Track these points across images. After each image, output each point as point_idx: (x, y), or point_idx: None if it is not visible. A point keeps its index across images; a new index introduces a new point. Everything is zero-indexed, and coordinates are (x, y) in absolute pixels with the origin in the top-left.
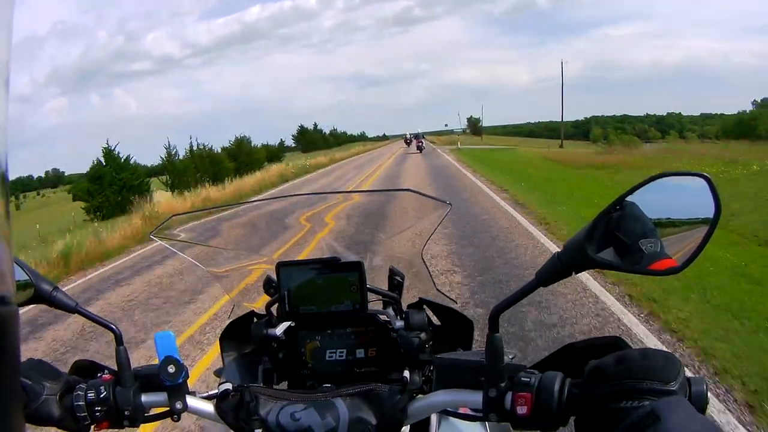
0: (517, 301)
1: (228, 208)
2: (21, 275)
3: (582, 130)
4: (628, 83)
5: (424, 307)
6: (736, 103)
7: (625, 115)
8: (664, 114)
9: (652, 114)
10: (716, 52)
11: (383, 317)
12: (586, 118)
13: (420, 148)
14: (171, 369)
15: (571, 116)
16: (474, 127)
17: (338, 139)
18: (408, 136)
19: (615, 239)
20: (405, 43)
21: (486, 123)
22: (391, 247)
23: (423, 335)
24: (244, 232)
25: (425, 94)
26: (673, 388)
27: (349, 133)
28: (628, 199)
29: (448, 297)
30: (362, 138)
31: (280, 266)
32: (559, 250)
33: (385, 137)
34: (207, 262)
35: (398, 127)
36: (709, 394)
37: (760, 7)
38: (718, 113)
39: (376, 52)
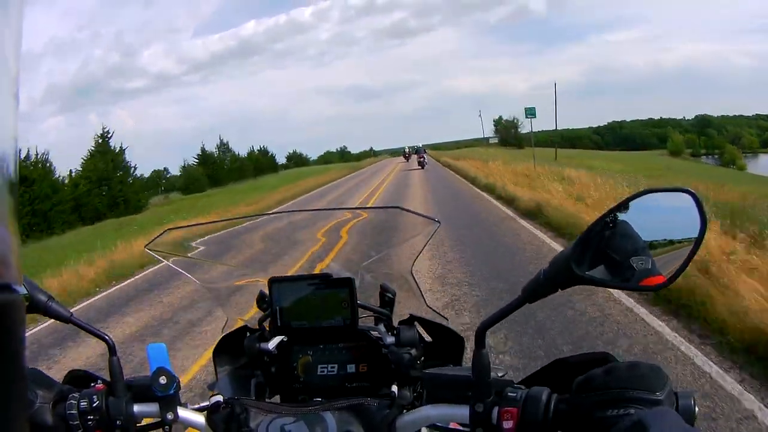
0: (503, 317)
1: (223, 221)
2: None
3: (618, 137)
4: (628, 87)
5: (415, 323)
6: None
7: (660, 118)
8: (717, 116)
9: (692, 116)
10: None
11: (374, 333)
12: (608, 123)
13: (422, 164)
14: (163, 380)
15: (584, 123)
16: (508, 133)
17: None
18: (407, 150)
19: (605, 256)
20: (402, 54)
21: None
22: (383, 263)
23: (413, 351)
24: (238, 247)
25: (424, 105)
26: (660, 398)
27: (332, 149)
28: (620, 216)
29: (438, 313)
30: (343, 155)
31: (273, 281)
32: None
33: (372, 153)
34: (201, 277)
35: (398, 140)
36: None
37: None
38: None
39: (373, 64)
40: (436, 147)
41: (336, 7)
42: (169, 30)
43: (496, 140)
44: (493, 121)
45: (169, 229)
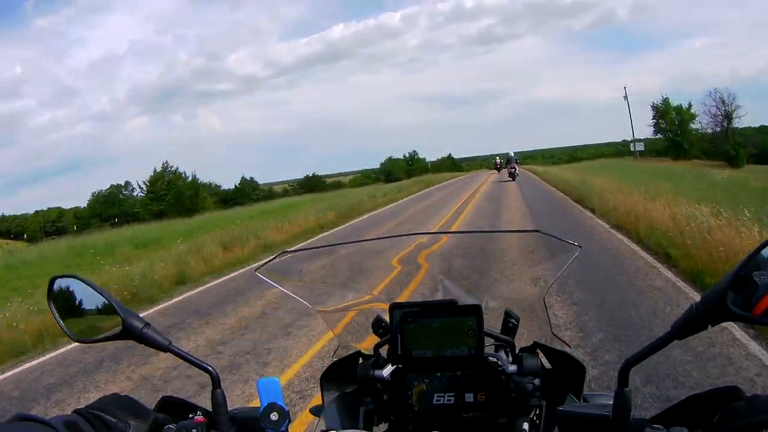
0: (649, 354)
1: (338, 245)
2: (110, 309)
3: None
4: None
5: (537, 350)
6: None
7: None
8: None
9: None
10: None
11: (494, 360)
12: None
13: (513, 176)
14: (274, 416)
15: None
16: (683, 133)
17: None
18: (498, 161)
19: (761, 291)
20: (489, 62)
21: (576, 141)
22: (508, 288)
23: (536, 381)
24: (351, 271)
25: (511, 113)
26: None
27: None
28: None
29: (562, 340)
30: (412, 162)
31: (394, 307)
32: (697, 300)
33: (452, 162)
34: (313, 301)
35: (486, 148)
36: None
37: None
38: None
39: (461, 71)
40: (526, 156)
41: (424, 13)
42: (254, 33)
43: (641, 146)
44: (652, 107)
45: (283, 252)
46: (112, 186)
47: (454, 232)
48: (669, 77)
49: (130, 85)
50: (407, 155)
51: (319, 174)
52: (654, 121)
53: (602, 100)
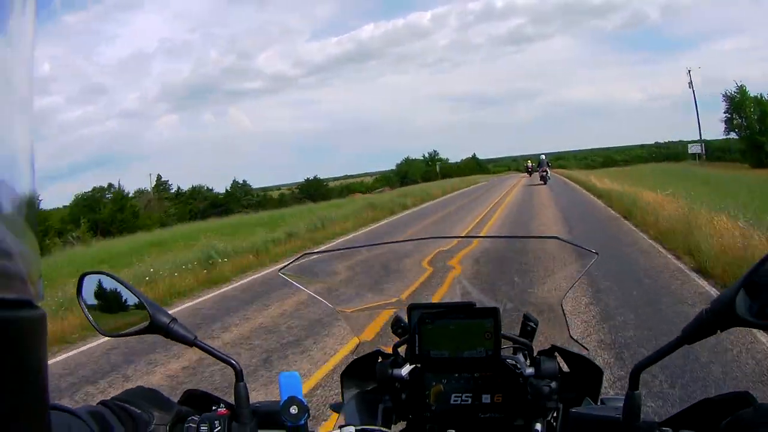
0: (660, 358)
1: (358, 248)
2: (138, 304)
3: None
4: None
5: (555, 354)
6: None
7: None
8: None
9: None
10: None
11: (511, 362)
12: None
13: (544, 179)
14: (294, 410)
15: (689, 136)
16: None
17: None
18: (529, 164)
19: (764, 289)
20: (519, 62)
21: (609, 143)
22: (527, 292)
23: (553, 384)
24: (372, 273)
25: (542, 113)
26: None
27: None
28: None
29: (580, 344)
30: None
31: (412, 308)
32: (707, 306)
33: (476, 163)
34: (335, 301)
35: (516, 148)
36: None
37: None
38: None
39: (491, 71)
40: (558, 157)
41: (454, 12)
42: (284, 32)
43: (698, 149)
44: (723, 97)
45: (305, 253)
46: (95, 188)
47: (478, 236)
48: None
49: (160, 83)
50: (427, 155)
51: (339, 175)
52: (727, 115)
53: (635, 101)
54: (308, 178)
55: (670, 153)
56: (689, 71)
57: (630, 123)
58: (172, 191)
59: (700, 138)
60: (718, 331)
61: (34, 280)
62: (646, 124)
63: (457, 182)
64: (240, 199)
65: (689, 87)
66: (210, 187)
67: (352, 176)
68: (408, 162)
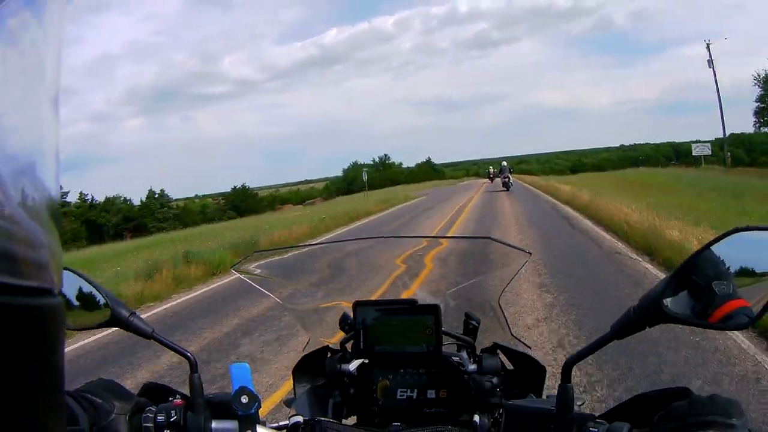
0: (590, 353)
1: (306, 247)
2: (100, 298)
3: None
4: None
5: (498, 351)
6: None
7: None
8: None
9: None
10: None
11: (456, 360)
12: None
13: (506, 185)
14: (244, 399)
15: (658, 138)
16: None
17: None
18: (491, 170)
19: (695, 295)
20: (485, 66)
21: (574, 146)
22: (469, 291)
23: (495, 379)
24: (320, 270)
25: (508, 118)
26: (736, 424)
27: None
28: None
29: (522, 342)
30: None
31: (358, 305)
32: (635, 303)
33: (432, 168)
34: (284, 298)
35: (480, 152)
36: None
37: None
38: None
39: (456, 75)
40: (520, 161)
41: (418, 17)
42: (250, 37)
43: (707, 149)
44: (755, 80)
45: (255, 251)
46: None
47: (416, 236)
48: None
49: (125, 85)
50: (377, 160)
51: (299, 180)
52: (760, 105)
53: (602, 104)
54: (235, 187)
55: (638, 155)
56: (708, 44)
57: (598, 126)
58: (87, 202)
59: (724, 134)
60: (647, 327)
61: (55, 269)
62: (616, 127)
63: (384, 194)
64: (155, 211)
65: (709, 66)
66: (127, 198)
67: (312, 181)
68: (355, 167)
